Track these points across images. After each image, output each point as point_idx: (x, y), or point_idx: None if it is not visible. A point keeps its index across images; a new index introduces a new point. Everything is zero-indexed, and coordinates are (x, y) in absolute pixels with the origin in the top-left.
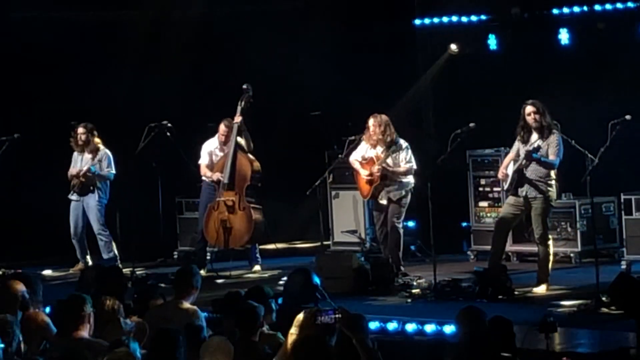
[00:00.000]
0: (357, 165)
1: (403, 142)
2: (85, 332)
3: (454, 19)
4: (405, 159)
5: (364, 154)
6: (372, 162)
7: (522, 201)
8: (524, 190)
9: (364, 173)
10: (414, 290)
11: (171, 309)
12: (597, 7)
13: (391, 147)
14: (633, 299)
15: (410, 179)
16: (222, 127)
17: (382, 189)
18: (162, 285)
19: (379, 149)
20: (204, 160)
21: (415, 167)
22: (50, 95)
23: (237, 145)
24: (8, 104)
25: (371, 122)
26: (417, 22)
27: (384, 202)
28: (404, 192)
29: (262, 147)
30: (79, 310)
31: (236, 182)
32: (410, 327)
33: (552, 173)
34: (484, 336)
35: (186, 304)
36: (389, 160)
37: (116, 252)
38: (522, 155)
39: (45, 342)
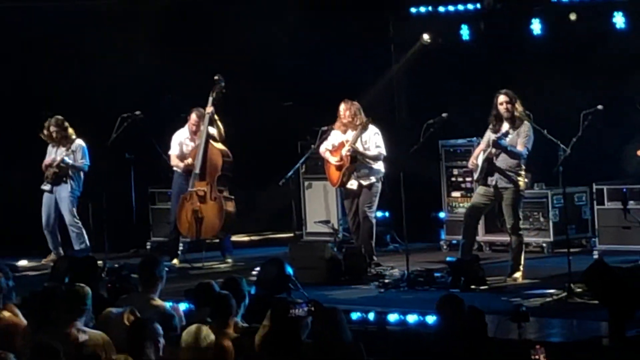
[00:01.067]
0: (327, 155)
1: (373, 128)
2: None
3: (429, 8)
4: (375, 144)
5: (334, 142)
6: (342, 146)
7: (492, 191)
8: (494, 179)
9: (333, 160)
10: (386, 280)
11: (141, 303)
12: None
13: (362, 131)
14: (607, 286)
15: (380, 167)
16: (192, 117)
17: (351, 172)
18: (134, 275)
19: (349, 134)
20: (174, 151)
21: (384, 153)
22: (21, 85)
23: (209, 136)
24: None
25: (342, 107)
26: (393, 11)
27: (353, 187)
28: (374, 179)
29: (235, 138)
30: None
31: (207, 172)
32: (392, 317)
33: (522, 163)
34: (463, 324)
35: (157, 300)
36: (359, 145)
37: (88, 243)
38: (491, 144)
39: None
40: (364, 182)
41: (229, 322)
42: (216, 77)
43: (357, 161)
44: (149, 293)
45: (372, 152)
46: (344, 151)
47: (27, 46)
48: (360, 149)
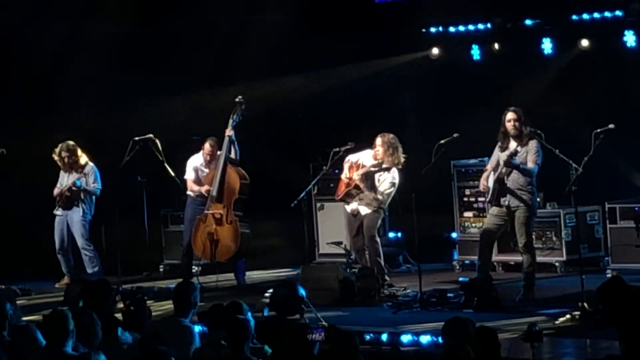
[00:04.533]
0: (345, 166)
1: (395, 173)
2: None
3: (440, 29)
4: (386, 188)
5: (359, 159)
6: (359, 168)
7: (505, 211)
8: (506, 200)
9: (344, 175)
10: (399, 301)
11: (169, 326)
12: (584, 16)
13: (385, 170)
14: (621, 304)
15: (384, 206)
16: (206, 147)
17: (353, 196)
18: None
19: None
20: (189, 176)
21: (383, 202)
22: (35, 109)
23: (227, 158)
24: None
25: (378, 141)
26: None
27: (348, 209)
28: (375, 208)
29: (247, 159)
30: (64, 324)
31: (225, 195)
32: (406, 338)
33: (533, 181)
34: (466, 347)
35: (185, 322)
36: (376, 178)
37: (100, 266)
38: (501, 164)
39: None
40: (363, 212)
41: (244, 347)
42: (237, 99)
43: (360, 190)
44: (179, 317)
45: (378, 191)
46: (355, 174)
47: (42, 71)
48: (375, 181)
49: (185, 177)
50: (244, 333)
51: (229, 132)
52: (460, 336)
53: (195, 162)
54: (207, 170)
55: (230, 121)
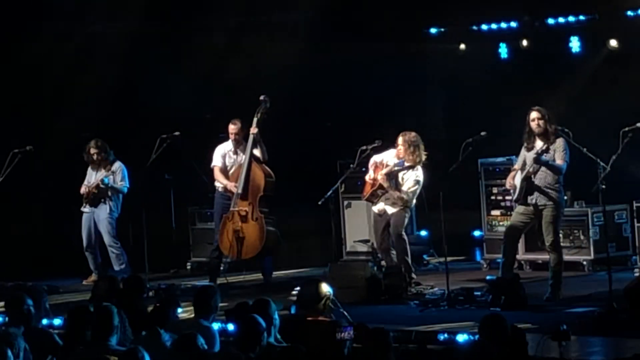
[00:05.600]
0: (371, 166)
1: (419, 171)
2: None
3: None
4: (409, 187)
5: (384, 159)
6: (382, 167)
7: (532, 209)
8: (534, 198)
9: (369, 175)
10: (426, 299)
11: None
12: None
13: (408, 168)
14: None
15: (409, 204)
16: (231, 127)
17: (378, 197)
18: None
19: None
20: (217, 162)
21: (409, 201)
22: (63, 107)
23: (252, 156)
24: (20, 115)
25: (400, 140)
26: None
27: (375, 209)
28: (402, 208)
29: (275, 157)
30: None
31: (250, 192)
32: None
33: (560, 179)
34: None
35: (205, 323)
36: (399, 177)
37: (128, 263)
38: (529, 163)
39: (52, 357)
40: (390, 211)
41: (255, 349)
42: (262, 98)
43: (384, 189)
44: (200, 318)
45: (402, 190)
46: (379, 175)
47: (69, 70)
48: (399, 180)
49: (213, 164)
50: (255, 336)
51: (254, 130)
52: (498, 334)
53: (224, 148)
54: (234, 157)
55: (255, 119)
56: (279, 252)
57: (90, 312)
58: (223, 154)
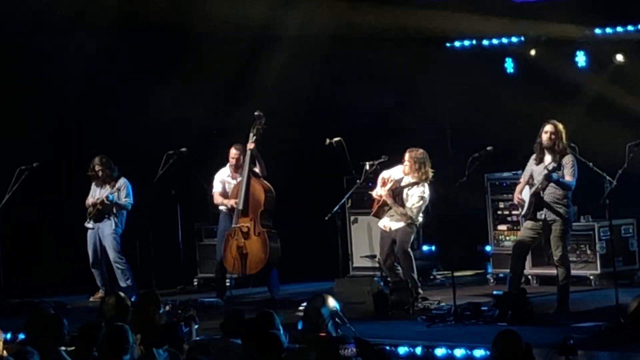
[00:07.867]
0: (379, 179)
1: (424, 187)
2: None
3: (473, 42)
4: (414, 203)
5: (391, 175)
6: (388, 182)
7: (541, 224)
8: (543, 213)
9: (375, 191)
10: (433, 314)
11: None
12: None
13: (413, 185)
14: None
15: (415, 220)
16: (232, 151)
17: (384, 212)
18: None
19: (407, 179)
20: (217, 189)
21: (414, 218)
22: (68, 124)
23: (251, 172)
24: (26, 132)
25: (406, 157)
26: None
27: (380, 225)
28: (408, 224)
29: (280, 173)
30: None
31: (250, 208)
32: (440, 351)
33: (569, 194)
34: None
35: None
36: (404, 193)
37: (133, 279)
38: (537, 178)
39: None
40: (395, 227)
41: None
42: (256, 113)
43: (388, 205)
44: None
45: (407, 207)
46: (383, 190)
47: (74, 86)
48: (404, 197)
49: (213, 191)
50: (276, 348)
51: (251, 145)
52: (512, 350)
53: (222, 175)
54: (233, 182)
55: (251, 135)
56: (282, 265)
57: (100, 329)
58: (222, 180)
